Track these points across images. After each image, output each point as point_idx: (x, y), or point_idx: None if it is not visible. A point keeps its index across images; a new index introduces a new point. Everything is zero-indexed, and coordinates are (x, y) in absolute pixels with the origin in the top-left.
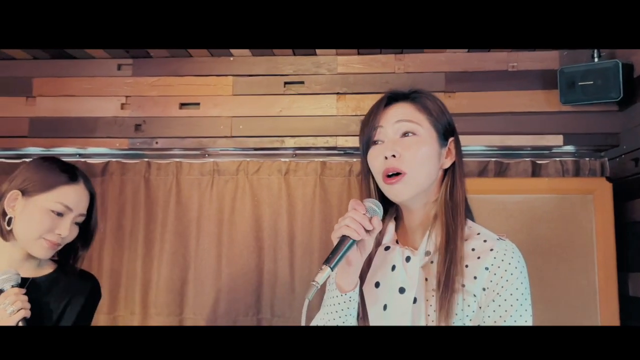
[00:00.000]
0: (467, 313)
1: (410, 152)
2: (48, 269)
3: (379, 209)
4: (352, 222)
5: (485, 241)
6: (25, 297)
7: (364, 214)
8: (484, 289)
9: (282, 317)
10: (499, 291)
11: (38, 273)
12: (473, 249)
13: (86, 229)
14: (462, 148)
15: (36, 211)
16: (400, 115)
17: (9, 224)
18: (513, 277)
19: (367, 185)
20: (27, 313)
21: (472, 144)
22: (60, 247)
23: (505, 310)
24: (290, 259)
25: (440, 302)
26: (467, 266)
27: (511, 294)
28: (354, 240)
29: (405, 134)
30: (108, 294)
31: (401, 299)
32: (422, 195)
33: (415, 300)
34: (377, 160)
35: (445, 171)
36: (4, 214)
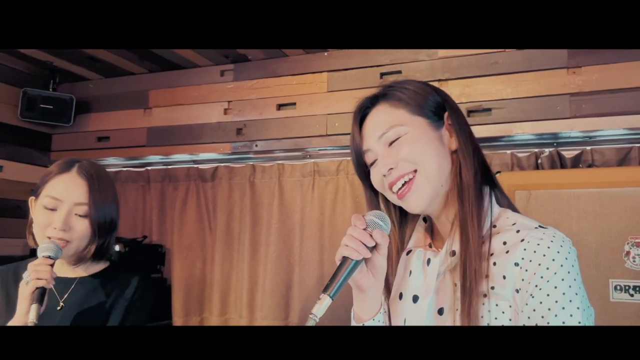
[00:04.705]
0: (502, 322)
1: (405, 151)
2: (97, 269)
3: (382, 221)
4: (351, 240)
5: (518, 232)
6: (47, 269)
7: (363, 229)
8: (517, 291)
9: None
10: (532, 292)
11: (86, 274)
12: (504, 243)
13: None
14: (595, 133)
15: (36, 210)
16: (380, 127)
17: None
18: (549, 273)
19: (370, 198)
20: (42, 283)
21: (608, 127)
22: (70, 244)
23: (546, 311)
24: None
25: (462, 310)
26: (495, 264)
27: (548, 295)
28: (357, 261)
29: (393, 142)
30: (219, 295)
31: (415, 309)
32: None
33: (442, 311)
34: (378, 181)
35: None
36: (31, 221)
